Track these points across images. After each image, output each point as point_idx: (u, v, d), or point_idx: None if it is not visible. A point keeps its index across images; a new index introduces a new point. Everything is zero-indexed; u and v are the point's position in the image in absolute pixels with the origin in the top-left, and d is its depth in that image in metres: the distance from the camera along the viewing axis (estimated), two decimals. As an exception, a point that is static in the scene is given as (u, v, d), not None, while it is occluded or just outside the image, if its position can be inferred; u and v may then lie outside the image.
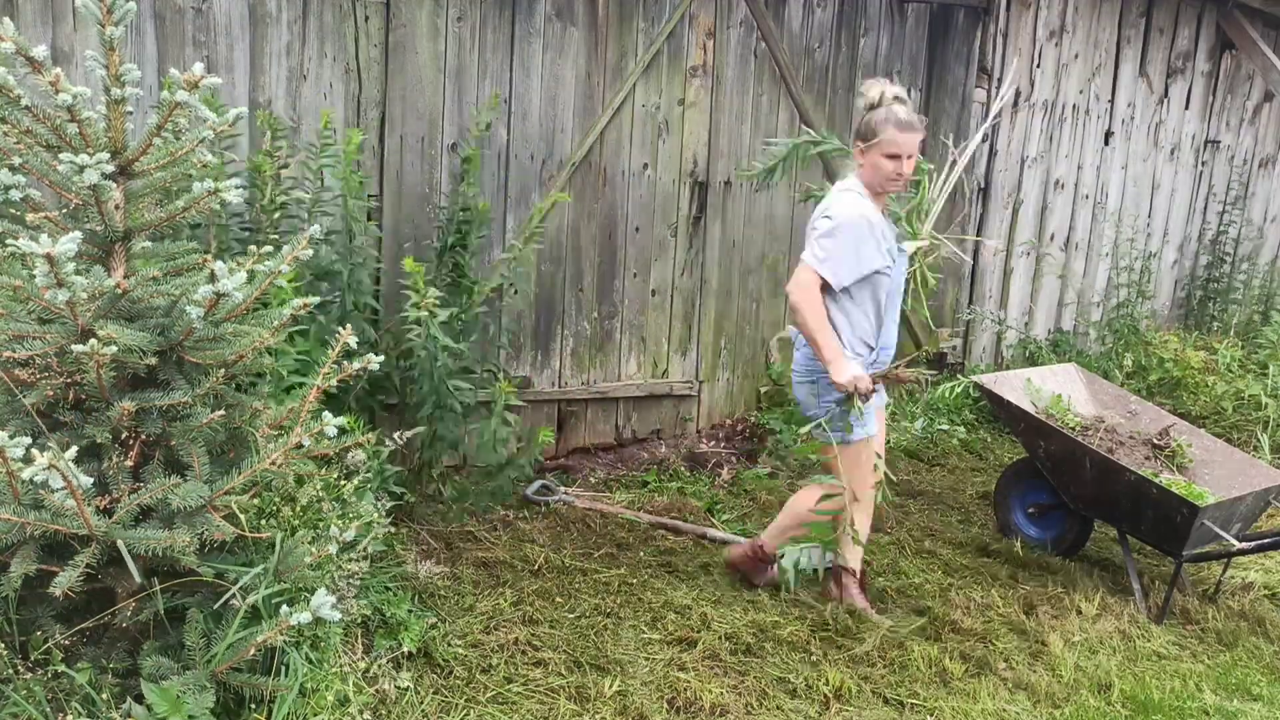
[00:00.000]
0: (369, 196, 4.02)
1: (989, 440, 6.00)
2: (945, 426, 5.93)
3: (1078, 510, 4.26)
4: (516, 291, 4.53)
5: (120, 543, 2.17)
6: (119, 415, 2.29)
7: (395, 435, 3.70)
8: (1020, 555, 4.33)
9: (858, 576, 3.76)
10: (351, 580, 2.78)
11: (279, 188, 3.76)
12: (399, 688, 2.87)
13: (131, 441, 2.34)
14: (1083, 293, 7.25)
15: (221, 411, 2.42)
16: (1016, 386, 4.62)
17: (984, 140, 6.41)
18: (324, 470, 2.91)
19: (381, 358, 2.57)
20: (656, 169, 5.14)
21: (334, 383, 2.59)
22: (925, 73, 6.03)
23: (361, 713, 2.60)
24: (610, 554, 4.11)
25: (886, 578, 4.08)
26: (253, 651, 2.29)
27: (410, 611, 3.20)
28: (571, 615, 3.56)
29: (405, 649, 3.06)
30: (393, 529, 3.42)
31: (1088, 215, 7.14)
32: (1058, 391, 4.69)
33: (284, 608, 2.27)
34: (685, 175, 5.24)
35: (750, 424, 5.70)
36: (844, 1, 5.61)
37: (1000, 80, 6.31)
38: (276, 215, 3.73)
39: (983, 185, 6.53)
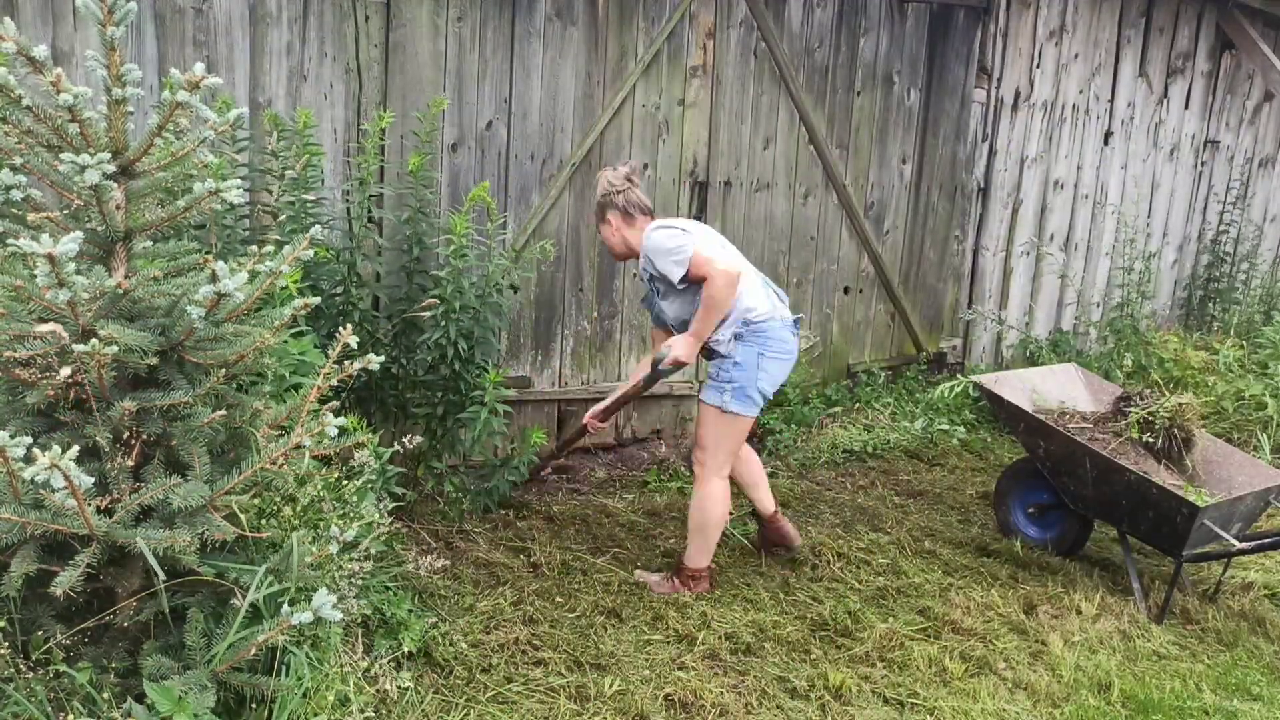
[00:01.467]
0: (369, 196, 4.02)
1: (989, 440, 6.00)
2: (945, 426, 5.93)
3: (1078, 510, 4.26)
4: (516, 290, 4.53)
5: (140, 540, 2.18)
6: (120, 415, 2.29)
7: (405, 439, 3.70)
8: (1020, 555, 4.33)
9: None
10: (352, 580, 2.78)
11: (283, 186, 3.77)
12: (399, 687, 2.87)
13: (132, 441, 2.34)
14: (1083, 293, 7.25)
15: (222, 411, 2.42)
16: (1016, 386, 4.62)
17: (984, 139, 6.41)
18: (324, 470, 2.91)
19: (381, 357, 2.57)
20: (657, 169, 5.14)
21: (335, 382, 2.58)
22: (925, 73, 6.03)
23: (362, 712, 2.60)
24: (610, 553, 4.11)
25: (886, 577, 4.08)
26: (253, 651, 2.29)
27: (410, 611, 3.20)
28: (571, 615, 3.56)
29: (405, 649, 3.06)
30: (393, 527, 3.42)
31: (1087, 215, 7.15)
32: (1057, 392, 4.69)
33: (285, 607, 2.27)
34: (685, 175, 5.24)
35: (750, 424, 5.70)
36: (844, 1, 5.61)
37: (1000, 80, 6.31)
38: (281, 216, 3.74)
39: (982, 185, 6.53)
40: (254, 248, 2.53)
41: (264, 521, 2.62)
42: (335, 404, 2.51)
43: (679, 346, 3.62)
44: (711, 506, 3.75)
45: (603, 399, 4.09)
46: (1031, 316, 7.04)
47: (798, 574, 4.06)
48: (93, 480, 2.10)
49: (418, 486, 4.20)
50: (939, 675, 3.37)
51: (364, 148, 3.95)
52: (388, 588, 3.26)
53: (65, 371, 2.19)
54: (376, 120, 3.93)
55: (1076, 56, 6.71)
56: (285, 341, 3.13)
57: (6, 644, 2.22)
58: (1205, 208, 7.86)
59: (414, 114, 4.37)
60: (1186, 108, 7.43)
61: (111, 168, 2.22)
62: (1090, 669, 3.48)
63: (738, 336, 3.63)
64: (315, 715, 2.44)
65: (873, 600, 3.87)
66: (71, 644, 2.31)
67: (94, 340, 2.16)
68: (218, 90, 3.83)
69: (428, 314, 3.94)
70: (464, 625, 3.37)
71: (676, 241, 3.54)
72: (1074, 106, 6.80)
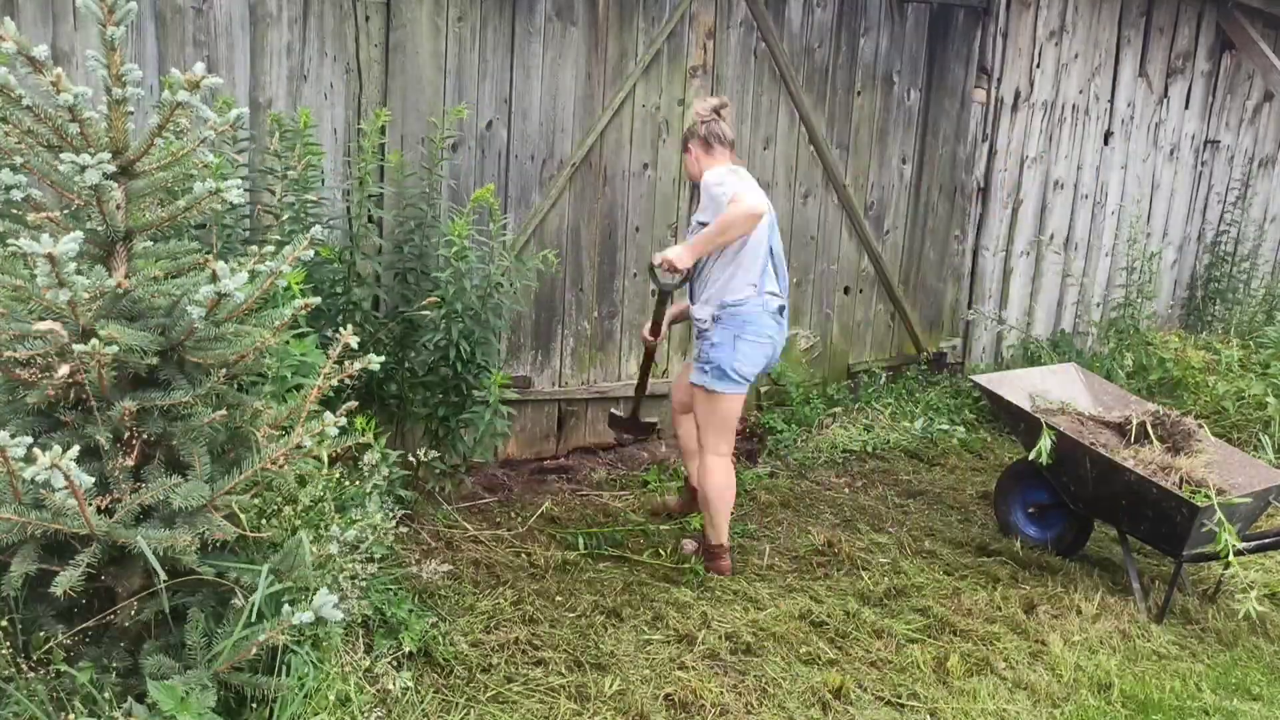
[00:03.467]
0: (368, 196, 4.02)
1: (989, 440, 6.00)
2: (945, 426, 5.93)
3: (1078, 510, 4.26)
4: (516, 290, 4.52)
5: (141, 539, 2.18)
6: (120, 415, 2.30)
7: (419, 452, 3.70)
8: (1020, 555, 4.33)
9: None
10: (355, 580, 2.78)
11: (284, 186, 3.77)
12: (400, 687, 2.87)
13: (133, 441, 2.34)
14: (1083, 293, 7.25)
15: (223, 411, 2.42)
16: (1016, 386, 4.62)
17: (984, 139, 6.42)
18: (325, 470, 2.91)
19: (382, 358, 2.57)
20: (656, 169, 5.14)
21: (335, 382, 2.58)
22: (925, 73, 6.03)
23: (363, 712, 2.60)
24: (611, 553, 4.11)
25: (887, 577, 4.08)
26: (254, 651, 2.29)
27: (411, 611, 3.20)
28: (571, 615, 3.56)
29: (406, 649, 3.06)
30: (396, 529, 3.43)
31: (1087, 215, 7.15)
32: (1058, 391, 4.68)
33: (285, 607, 2.27)
34: (685, 175, 5.23)
35: (750, 424, 5.70)
36: (844, 1, 5.61)
37: (1000, 80, 6.31)
38: (283, 216, 3.74)
39: (982, 185, 6.53)
40: (254, 248, 2.54)
41: (264, 521, 2.62)
42: (352, 404, 2.53)
43: (672, 250, 3.81)
44: (708, 479, 3.93)
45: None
46: (1032, 316, 7.04)
47: (798, 574, 4.07)
48: (93, 480, 2.10)
49: (419, 487, 4.19)
50: (939, 675, 3.38)
51: (363, 147, 3.95)
52: (388, 587, 3.26)
53: (63, 370, 2.19)
54: (375, 118, 3.92)
55: (1076, 56, 6.71)
56: (286, 342, 3.13)
57: (7, 644, 2.23)
58: (1205, 208, 7.86)
59: (414, 114, 4.37)
60: (1186, 108, 7.43)
61: (111, 168, 2.22)
62: (1090, 669, 3.48)
63: (716, 319, 3.80)
64: (316, 715, 2.45)
65: (873, 600, 3.87)
66: (72, 644, 2.31)
67: (94, 340, 2.16)
68: (218, 90, 3.82)
69: (427, 312, 3.94)
70: (464, 625, 3.37)
71: (723, 178, 3.75)
72: (1074, 106, 6.80)
